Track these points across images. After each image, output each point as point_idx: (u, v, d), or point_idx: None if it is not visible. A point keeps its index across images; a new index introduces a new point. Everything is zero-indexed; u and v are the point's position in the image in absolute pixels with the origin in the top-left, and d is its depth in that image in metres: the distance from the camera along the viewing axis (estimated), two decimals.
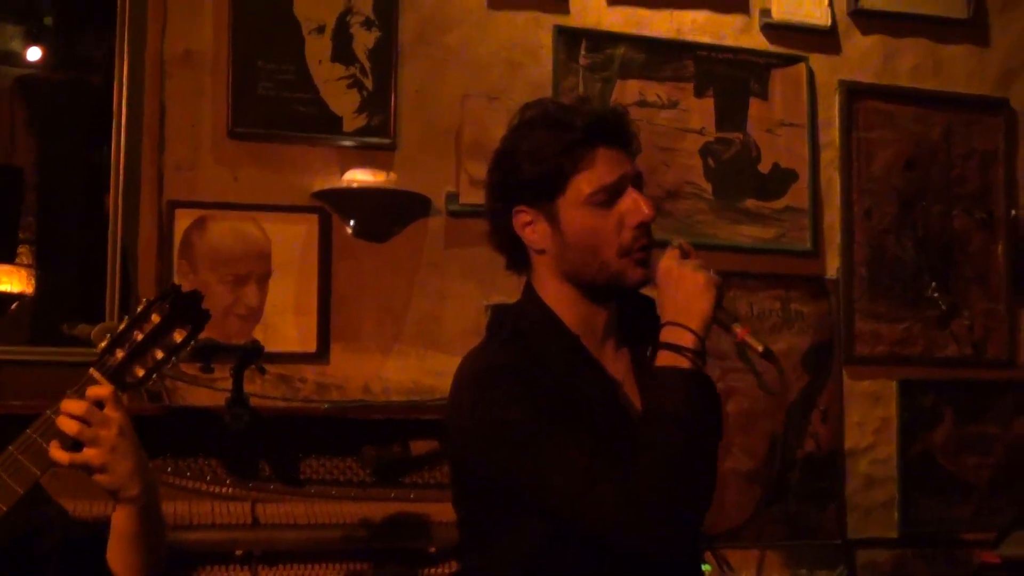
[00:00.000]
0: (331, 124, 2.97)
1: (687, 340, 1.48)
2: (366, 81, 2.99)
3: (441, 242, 3.04)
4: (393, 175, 2.93)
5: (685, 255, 1.56)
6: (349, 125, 2.99)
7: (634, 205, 1.55)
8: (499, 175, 1.61)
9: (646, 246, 1.56)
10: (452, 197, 3.02)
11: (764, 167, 3.36)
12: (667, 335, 1.49)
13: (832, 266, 3.43)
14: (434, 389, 2.92)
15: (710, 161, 3.31)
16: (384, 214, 2.94)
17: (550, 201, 1.55)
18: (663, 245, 1.63)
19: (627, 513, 1.41)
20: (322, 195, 2.93)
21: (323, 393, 2.89)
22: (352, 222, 2.94)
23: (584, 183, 1.54)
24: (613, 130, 1.58)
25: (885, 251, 3.47)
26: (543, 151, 1.53)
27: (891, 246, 3.47)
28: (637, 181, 1.57)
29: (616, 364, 1.62)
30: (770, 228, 3.33)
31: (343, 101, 2.99)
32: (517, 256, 1.64)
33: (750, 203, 3.33)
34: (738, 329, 1.52)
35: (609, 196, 1.54)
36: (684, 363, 1.47)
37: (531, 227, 1.58)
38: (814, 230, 3.39)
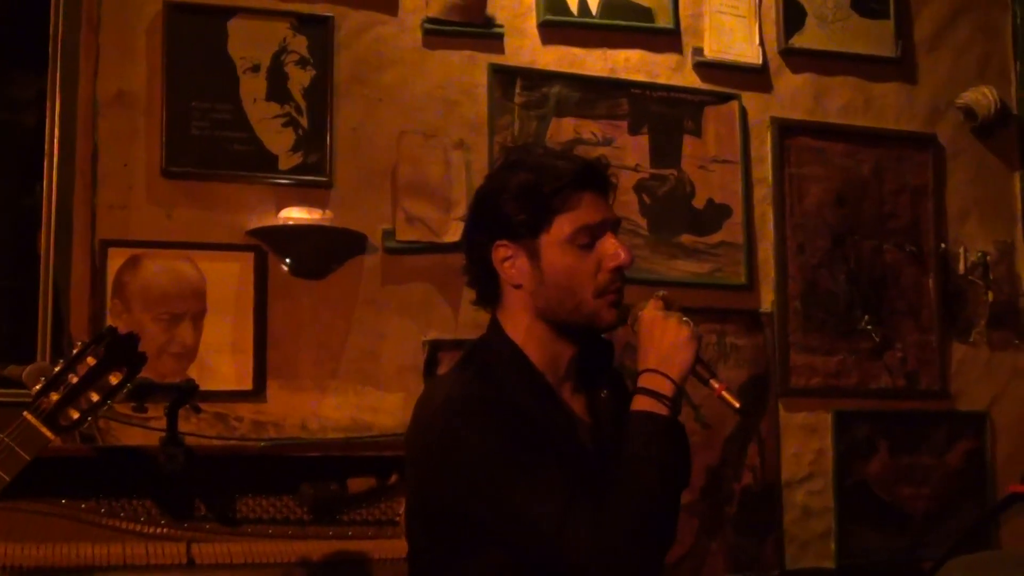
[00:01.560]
0: (266, 162, 2.94)
1: (667, 388, 1.51)
2: (301, 120, 2.98)
3: (378, 279, 3.02)
4: (329, 212, 2.92)
5: (669, 306, 1.59)
6: (285, 163, 2.97)
7: (613, 249, 1.58)
8: (483, 210, 1.63)
9: (620, 288, 1.60)
10: (388, 234, 3.00)
11: (699, 203, 3.36)
12: (647, 381, 1.52)
13: (767, 300, 3.44)
14: (372, 426, 2.91)
15: (645, 197, 3.31)
16: (320, 252, 2.91)
17: (532, 238, 1.58)
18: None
19: (601, 552, 1.43)
20: (258, 233, 2.90)
21: (259, 431, 2.86)
22: (288, 260, 2.92)
23: (568, 223, 1.57)
24: (599, 177, 1.63)
25: (818, 285, 3.47)
26: (534, 189, 1.56)
27: (824, 280, 3.46)
28: (616, 226, 1.62)
29: (574, 403, 1.65)
30: (705, 263, 3.34)
31: (278, 139, 2.97)
32: (489, 290, 1.65)
33: (685, 238, 3.33)
34: (716, 384, 1.55)
35: (590, 238, 1.58)
36: (663, 410, 1.50)
37: (510, 262, 1.60)
38: (748, 264, 3.39)
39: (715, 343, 3.28)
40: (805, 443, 3.44)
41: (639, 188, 3.29)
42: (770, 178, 3.44)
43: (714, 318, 3.28)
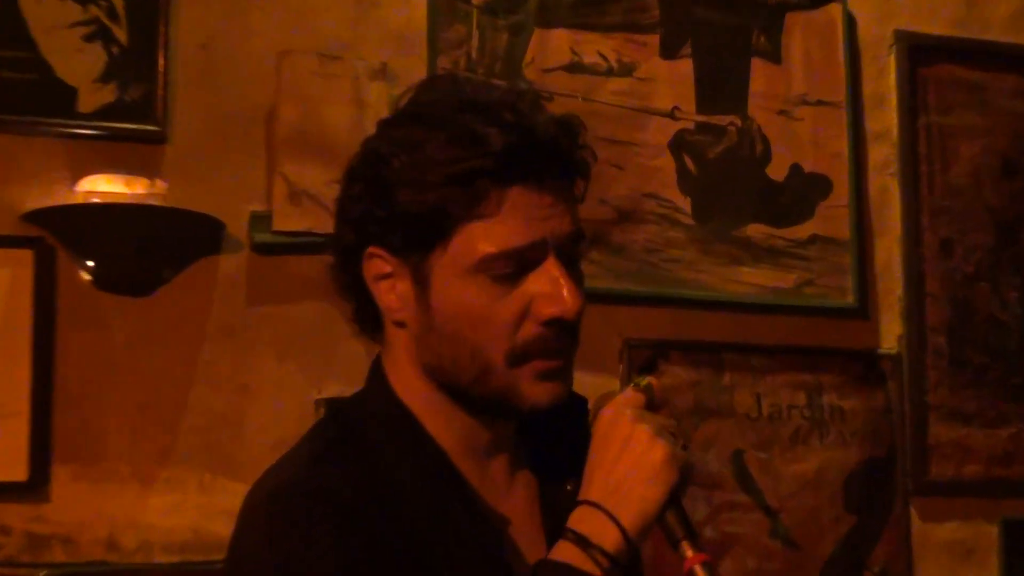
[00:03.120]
0: (57, 99, 2.55)
1: (608, 537, 1.28)
2: (117, 30, 2.58)
3: (241, 295, 2.62)
4: (161, 184, 2.55)
5: (651, 404, 1.35)
6: (88, 102, 2.57)
7: (551, 287, 1.34)
8: (358, 188, 1.39)
9: (560, 351, 1.36)
10: (259, 220, 2.61)
11: (777, 171, 2.91)
12: (580, 519, 1.30)
13: (890, 334, 3.00)
14: (227, 543, 2.35)
15: (688, 162, 2.86)
16: (146, 249, 2.55)
17: (422, 254, 1.36)
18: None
19: None
20: (40, 217, 2.52)
21: (39, 551, 2.48)
22: (91, 263, 2.54)
23: (480, 239, 1.33)
24: (547, 156, 1.35)
25: (975, 309, 3.03)
26: (429, 171, 1.33)
27: (984, 300, 3.03)
28: (569, 244, 1.36)
29: (509, 498, 1.44)
30: (788, 271, 2.92)
31: (77, 63, 2.57)
32: (369, 312, 1.44)
33: (754, 230, 2.90)
34: (689, 552, 1.30)
35: (515, 267, 1.34)
36: (591, 569, 1.27)
37: (388, 283, 1.39)
38: (859, 275, 2.97)
39: (804, 405, 2.82)
40: (955, 572, 3.02)
41: (678, 146, 2.84)
42: (895, 132, 3.01)
43: (803, 364, 2.85)
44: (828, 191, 2.94)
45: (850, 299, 2.93)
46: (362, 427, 1.44)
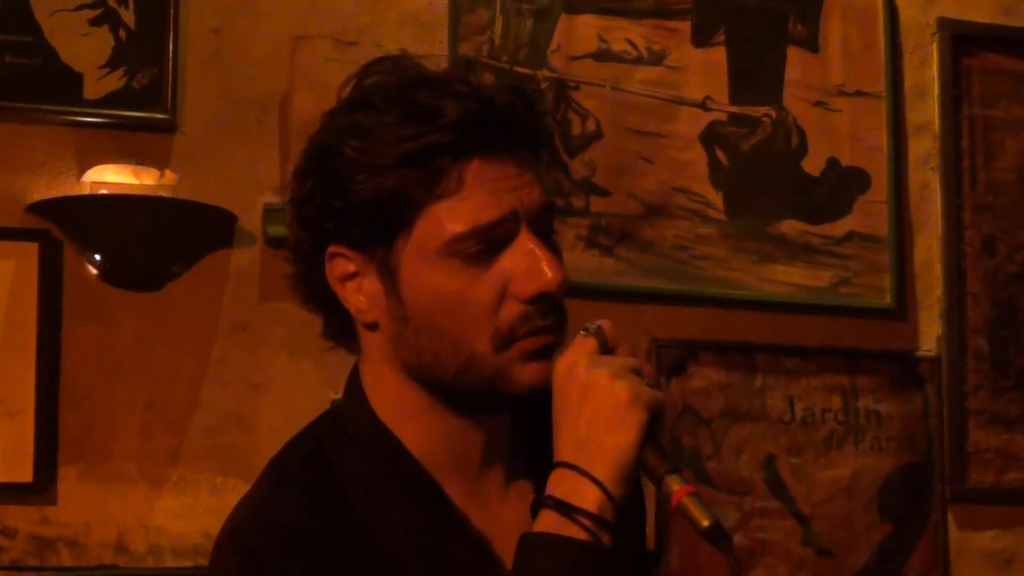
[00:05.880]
0: (62, 86, 2.52)
1: (588, 496, 1.25)
2: (124, 13, 2.55)
3: (254, 290, 2.60)
4: (171, 175, 2.54)
5: (605, 347, 1.28)
6: (94, 88, 2.54)
7: (528, 262, 1.29)
8: (307, 187, 1.32)
9: (549, 328, 1.29)
10: (273, 213, 2.59)
11: (813, 165, 2.89)
12: (556, 484, 1.26)
13: (929, 335, 2.96)
14: None
15: (720, 155, 2.84)
16: (155, 242, 2.53)
17: (386, 244, 1.30)
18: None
19: None
20: (46, 208, 2.50)
21: (45, 554, 2.47)
22: (98, 256, 2.52)
23: (446, 219, 1.28)
24: (507, 126, 1.30)
25: (1019, 309, 3.00)
26: (383, 154, 1.27)
27: None
28: (541, 214, 1.31)
29: (509, 512, 1.37)
30: (823, 270, 2.89)
31: (84, 48, 2.54)
32: (338, 321, 1.38)
33: (789, 227, 2.87)
34: (675, 486, 1.25)
35: (487, 244, 1.28)
36: (577, 533, 1.24)
37: (354, 283, 1.32)
38: (898, 274, 2.94)
39: (839, 409, 2.80)
40: None
41: (710, 138, 2.82)
42: (937, 124, 2.97)
43: (838, 366, 2.82)
44: (866, 186, 2.90)
45: (888, 299, 2.89)
46: (335, 446, 1.38)
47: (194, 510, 2.53)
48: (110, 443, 2.52)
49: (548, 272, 1.29)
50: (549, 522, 1.25)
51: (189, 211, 2.51)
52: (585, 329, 1.30)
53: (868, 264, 2.90)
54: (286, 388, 2.59)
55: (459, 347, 1.30)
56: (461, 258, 1.29)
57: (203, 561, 2.30)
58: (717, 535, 1.25)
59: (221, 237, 2.57)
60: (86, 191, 2.49)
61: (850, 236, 2.89)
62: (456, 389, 1.33)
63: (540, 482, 1.36)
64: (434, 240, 1.29)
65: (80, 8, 2.53)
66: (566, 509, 1.25)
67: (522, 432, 1.42)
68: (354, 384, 1.40)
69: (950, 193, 2.96)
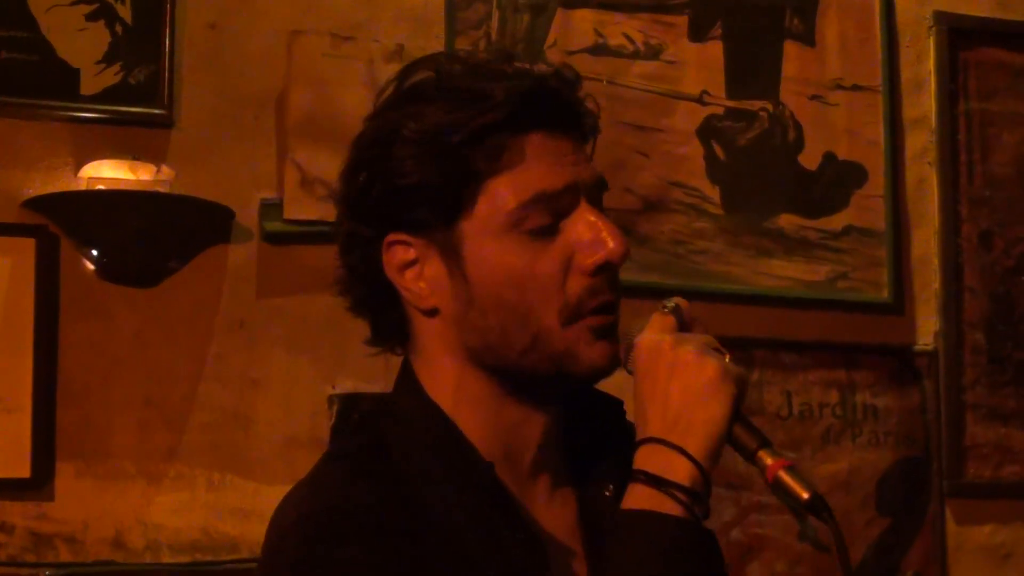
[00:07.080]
0: (58, 81, 2.53)
1: (680, 471, 1.23)
2: (120, 9, 2.56)
3: (252, 286, 2.60)
4: (168, 170, 2.55)
5: (683, 325, 1.29)
6: (90, 84, 2.55)
7: (592, 232, 1.30)
8: (361, 180, 1.33)
9: (611, 304, 1.30)
10: (270, 208, 2.60)
11: (809, 160, 2.89)
12: (647, 459, 1.24)
13: (927, 330, 2.97)
14: (238, 543, 2.55)
15: (717, 149, 2.85)
16: (152, 237, 2.54)
17: (447, 225, 1.30)
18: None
19: None
20: (42, 204, 2.51)
21: (42, 550, 2.46)
22: (95, 252, 2.53)
23: (507, 191, 1.29)
24: (557, 104, 1.34)
25: (1016, 304, 3.01)
26: (438, 139, 1.29)
27: None
28: (596, 191, 1.33)
29: (552, 516, 1.38)
30: (820, 264, 2.92)
31: (80, 43, 2.54)
32: (388, 320, 1.37)
33: (786, 221, 2.89)
34: (768, 460, 1.23)
35: (552, 215, 1.29)
36: (672, 508, 1.22)
37: (414, 270, 1.32)
38: (895, 268, 2.94)
39: (836, 403, 2.82)
40: None
41: (707, 133, 2.83)
42: (934, 119, 2.97)
43: (835, 360, 2.84)
44: (863, 180, 2.90)
45: (885, 293, 2.89)
46: (394, 436, 1.38)
47: (192, 506, 2.53)
48: (108, 439, 2.52)
49: (611, 242, 1.29)
50: (643, 498, 1.25)
51: (186, 207, 2.51)
52: (663, 307, 1.29)
53: (865, 258, 2.91)
54: (284, 384, 2.59)
55: (527, 322, 1.30)
56: (526, 232, 1.30)
57: (201, 557, 2.53)
58: (819, 506, 1.24)
59: (218, 233, 2.57)
60: (83, 187, 2.49)
61: (847, 230, 2.89)
62: (520, 371, 1.33)
63: (580, 485, 1.42)
64: (498, 214, 1.30)
65: (76, 3, 2.52)
66: (660, 483, 1.24)
67: (573, 441, 1.42)
68: (407, 378, 1.40)
69: (947, 187, 2.96)
